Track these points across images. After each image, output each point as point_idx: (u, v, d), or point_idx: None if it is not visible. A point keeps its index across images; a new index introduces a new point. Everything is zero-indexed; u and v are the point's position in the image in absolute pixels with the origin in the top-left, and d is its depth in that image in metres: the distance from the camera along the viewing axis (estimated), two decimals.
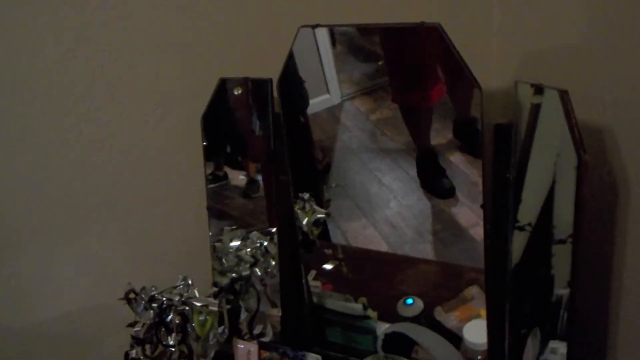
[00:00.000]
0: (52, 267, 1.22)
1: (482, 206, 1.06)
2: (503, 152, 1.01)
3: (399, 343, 1.19)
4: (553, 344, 1.11)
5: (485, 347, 1.13)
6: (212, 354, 1.13)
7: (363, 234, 1.58)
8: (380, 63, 1.29)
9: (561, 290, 1.08)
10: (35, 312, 1.21)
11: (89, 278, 1.24)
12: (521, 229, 1.07)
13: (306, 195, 1.29)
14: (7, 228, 1.19)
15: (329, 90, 1.77)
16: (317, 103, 1.81)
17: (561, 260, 1.06)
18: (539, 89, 0.99)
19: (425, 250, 1.69)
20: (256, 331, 1.26)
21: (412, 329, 1.18)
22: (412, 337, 1.17)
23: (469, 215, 1.47)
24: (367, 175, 1.92)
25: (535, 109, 1.01)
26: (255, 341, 1.16)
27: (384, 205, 1.79)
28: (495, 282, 1.09)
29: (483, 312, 1.25)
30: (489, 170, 1.04)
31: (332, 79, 1.63)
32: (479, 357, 1.14)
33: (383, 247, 1.71)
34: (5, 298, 1.19)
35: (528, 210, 1.06)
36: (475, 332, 1.15)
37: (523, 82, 1.00)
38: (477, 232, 1.53)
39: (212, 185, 1.27)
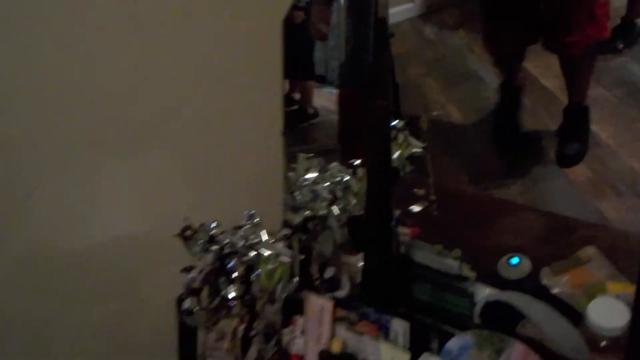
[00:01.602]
0: (100, 188, 0.96)
1: None
2: None
3: (501, 313, 0.92)
4: None
5: (615, 333, 0.85)
6: (279, 306, 0.88)
7: (440, 163, 1.36)
8: None
9: None
10: (78, 236, 0.98)
11: (141, 202, 0.99)
12: None
13: (400, 124, 0.99)
14: (51, 142, 0.93)
15: None
16: (398, 12, 1.53)
17: None
18: None
19: (508, 185, 1.47)
20: (327, 275, 1.01)
21: (521, 300, 0.90)
22: (521, 310, 0.89)
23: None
24: (449, 97, 1.66)
25: None
26: (330, 297, 0.91)
27: (463, 132, 1.56)
28: None
29: (611, 285, 0.96)
30: None
31: None
32: (604, 343, 0.86)
33: (463, 179, 1.52)
34: (47, 220, 0.95)
35: None
36: (604, 312, 0.88)
37: None
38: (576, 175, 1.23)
39: (287, 109, 0.98)
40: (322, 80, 1.21)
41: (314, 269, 1.02)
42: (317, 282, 1.01)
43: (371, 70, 0.88)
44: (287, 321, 0.94)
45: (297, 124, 1.21)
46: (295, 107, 1.22)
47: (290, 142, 1.07)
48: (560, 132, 1.13)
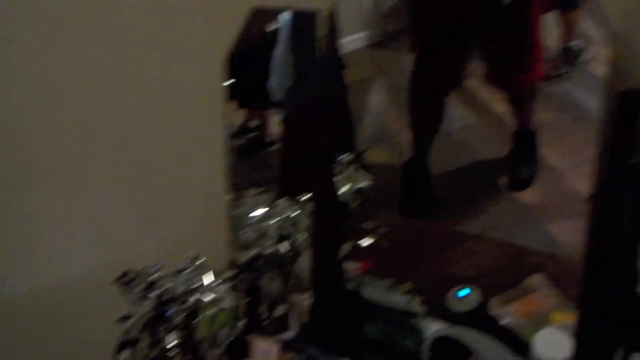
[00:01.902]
0: (33, 231, 0.91)
1: (592, 197, 0.74)
2: (629, 130, 0.68)
3: (450, 348, 0.91)
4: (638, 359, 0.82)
5: None
6: (221, 352, 0.85)
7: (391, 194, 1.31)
8: None
9: None
10: (13, 280, 0.92)
11: (78, 247, 0.94)
12: None
13: (348, 158, 0.98)
14: None
15: (366, 27, 1.51)
16: (352, 41, 1.53)
17: None
18: None
19: (459, 214, 1.45)
20: (277, 314, 0.98)
21: (468, 335, 0.89)
22: (468, 345, 0.88)
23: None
24: (405, 125, 1.64)
25: None
26: (276, 340, 0.88)
27: None
28: (592, 291, 0.78)
29: (556, 316, 0.96)
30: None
31: (371, 14, 1.43)
32: None
33: None
34: None
35: None
36: (549, 344, 0.87)
37: None
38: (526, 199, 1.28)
39: (239, 138, 0.96)
40: (281, 106, 1.20)
41: (263, 309, 0.99)
42: (266, 323, 0.98)
43: (316, 105, 0.86)
44: None
45: (255, 152, 1.19)
46: (253, 135, 1.19)
47: (249, 170, 1.05)
48: (510, 157, 1.14)
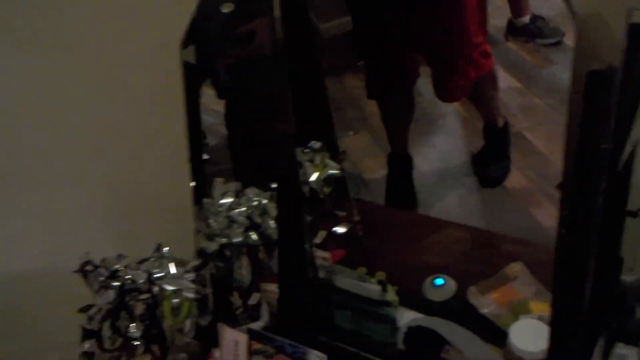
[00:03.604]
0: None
1: (559, 186, 0.73)
2: (598, 113, 0.67)
3: (425, 338, 0.90)
4: (621, 349, 0.82)
5: (538, 356, 0.83)
6: (189, 342, 0.84)
7: (380, 173, 1.33)
8: None
9: (631, 277, 0.81)
10: None
11: (43, 237, 0.94)
12: None
13: (317, 145, 0.97)
14: None
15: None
16: (338, 24, 1.51)
17: (631, 238, 0.78)
18: None
19: (449, 196, 1.44)
20: (252, 302, 0.97)
21: (443, 326, 0.88)
22: (443, 335, 0.87)
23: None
24: None
25: None
26: (245, 330, 0.87)
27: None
28: (565, 279, 0.77)
29: (535, 306, 0.95)
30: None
31: None
32: None
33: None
34: None
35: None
36: (527, 335, 0.86)
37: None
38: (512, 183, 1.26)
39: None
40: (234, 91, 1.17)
41: (236, 298, 0.98)
42: (238, 312, 0.98)
43: (270, 96, 0.84)
44: (205, 354, 0.90)
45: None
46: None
47: (217, 158, 1.03)
48: (481, 152, 1.12)
